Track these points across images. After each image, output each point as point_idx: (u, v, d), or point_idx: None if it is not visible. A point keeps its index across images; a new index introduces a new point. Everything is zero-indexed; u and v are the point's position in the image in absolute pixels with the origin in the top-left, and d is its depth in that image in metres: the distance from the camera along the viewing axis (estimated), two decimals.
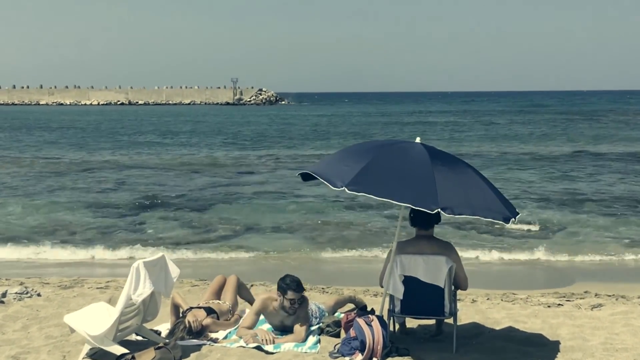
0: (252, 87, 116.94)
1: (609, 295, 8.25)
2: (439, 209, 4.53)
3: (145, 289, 4.80)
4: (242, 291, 6.65)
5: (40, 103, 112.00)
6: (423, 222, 5.34)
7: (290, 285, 5.62)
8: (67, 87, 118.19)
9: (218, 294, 6.35)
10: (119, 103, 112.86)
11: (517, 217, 4.96)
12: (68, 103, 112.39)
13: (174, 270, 5.26)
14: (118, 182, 19.81)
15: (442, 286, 5.26)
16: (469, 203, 4.71)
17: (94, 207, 15.42)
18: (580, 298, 8.09)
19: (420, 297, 5.34)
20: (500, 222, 4.75)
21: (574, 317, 6.95)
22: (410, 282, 5.29)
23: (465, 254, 10.86)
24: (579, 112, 73.28)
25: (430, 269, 5.24)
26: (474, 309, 7.27)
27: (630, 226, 13.61)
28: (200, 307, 5.90)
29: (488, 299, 7.93)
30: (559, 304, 7.62)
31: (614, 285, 9.47)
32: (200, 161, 26.15)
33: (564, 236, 12.71)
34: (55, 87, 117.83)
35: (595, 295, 8.30)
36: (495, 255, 11.24)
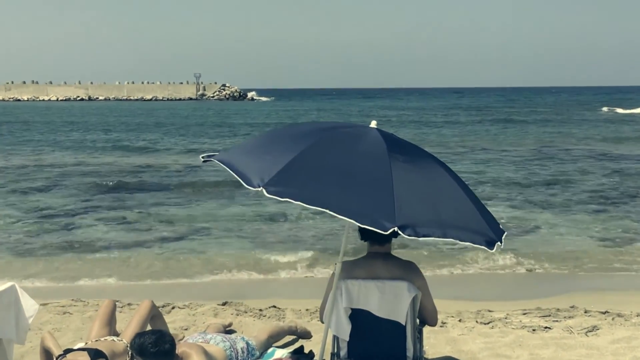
0: (216, 83, 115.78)
1: (602, 313, 6.98)
2: (396, 228, 3.10)
3: None
4: (157, 322, 5.15)
5: None
6: (377, 235, 3.88)
7: (134, 348, 4.00)
8: (24, 82, 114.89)
9: (110, 325, 4.85)
10: (78, 99, 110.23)
11: (504, 236, 3.54)
12: (25, 99, 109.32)
13: (30, 307, 3.75)
14: (52, 182, 17.95)
15: (402, 323, 3.84)
16: (438, 219, 3.27)
17: (15, 210, 13.66)
18: (569, 317, 6.80)
19: (373, 337, 3.92)
20: (482, 247, 3.32)
21: (568, 347, 5.62)
22: (360, 318, 3.86)
23: (427, 262, 9.50)
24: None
25: (388, 300, 3.81)
26: (444, 337, 5.89)
27: (605, 224, 12.42)
28: (83, 349, 4.37)
29: (460, 320, 6.57)
30: (546, 327, 6.29)
31: (601, 296, 8.29)
32: (145, 156, 24.36)
33: (536, 237, 11.40)
34: (12, 82, 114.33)
35: (585, 312, 7.03)
36: (461, 259, 9.90)
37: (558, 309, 7.21)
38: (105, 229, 11.70)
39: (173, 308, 6.50)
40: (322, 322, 4.06)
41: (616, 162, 22.29)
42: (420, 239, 3.19)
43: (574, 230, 11.93)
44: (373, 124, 3.88)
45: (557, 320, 6.63)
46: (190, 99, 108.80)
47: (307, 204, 3.17)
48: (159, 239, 10.97)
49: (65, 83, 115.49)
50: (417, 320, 4.02)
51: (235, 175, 3.40)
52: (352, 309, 3.87)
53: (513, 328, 6.27)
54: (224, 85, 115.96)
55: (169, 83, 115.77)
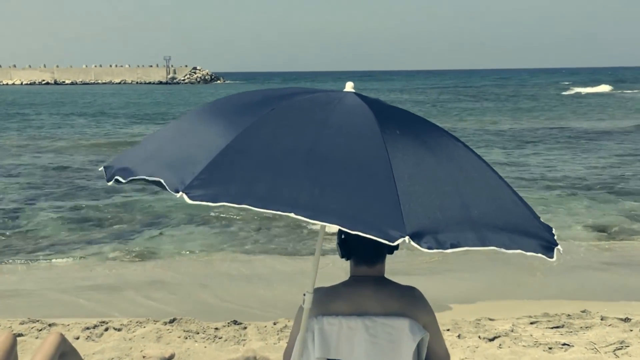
0: (186, 66, 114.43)
1: (622, 321, 5.96)
2: (407, 237, 1.88)
3: None
4: None
5: None
6: (364, 252, 2.67)
7: None
8: None
9: None
10: (44, 82, 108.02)
11: (555, 235, 2.35)
12: None
13: None
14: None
15: None
16: (469, 218, 2.05)
17: None
18: (586, 327, 5.75)
19: None
20: (539, 255, 2.12)
21: None
22: None
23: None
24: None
25: (381, 347, 2.60)
26: None
27: (596, 210, 11.43)
28: None
29: (459, 335, 5.46)
30: (564, 344, 5.19)
31: (609, 295, 7.29)
32: (103, 143, 22.87)
33: None
34: None
35: (602, 320, 6.02)
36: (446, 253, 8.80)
37: (569, 315, 6.23)
38: (44, 224, 10.33)
39: (107, 330, 5.22)
40: None
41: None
42: (447, 251, 1.95)
43: (562, 216, 10.97)
44: (349, 86, 2.64)
45: (573, 333, 5.59)
46: (161, 82, 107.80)
47: (258, 207, 1.95)
48: (105, 237, 9.59)
49: (30, 66, 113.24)
50: None
51: (154, 179, 2.18)
52: None
53: (524, 346, 5.17)
54: (194, 68, 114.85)
55: (138, 66, 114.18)
